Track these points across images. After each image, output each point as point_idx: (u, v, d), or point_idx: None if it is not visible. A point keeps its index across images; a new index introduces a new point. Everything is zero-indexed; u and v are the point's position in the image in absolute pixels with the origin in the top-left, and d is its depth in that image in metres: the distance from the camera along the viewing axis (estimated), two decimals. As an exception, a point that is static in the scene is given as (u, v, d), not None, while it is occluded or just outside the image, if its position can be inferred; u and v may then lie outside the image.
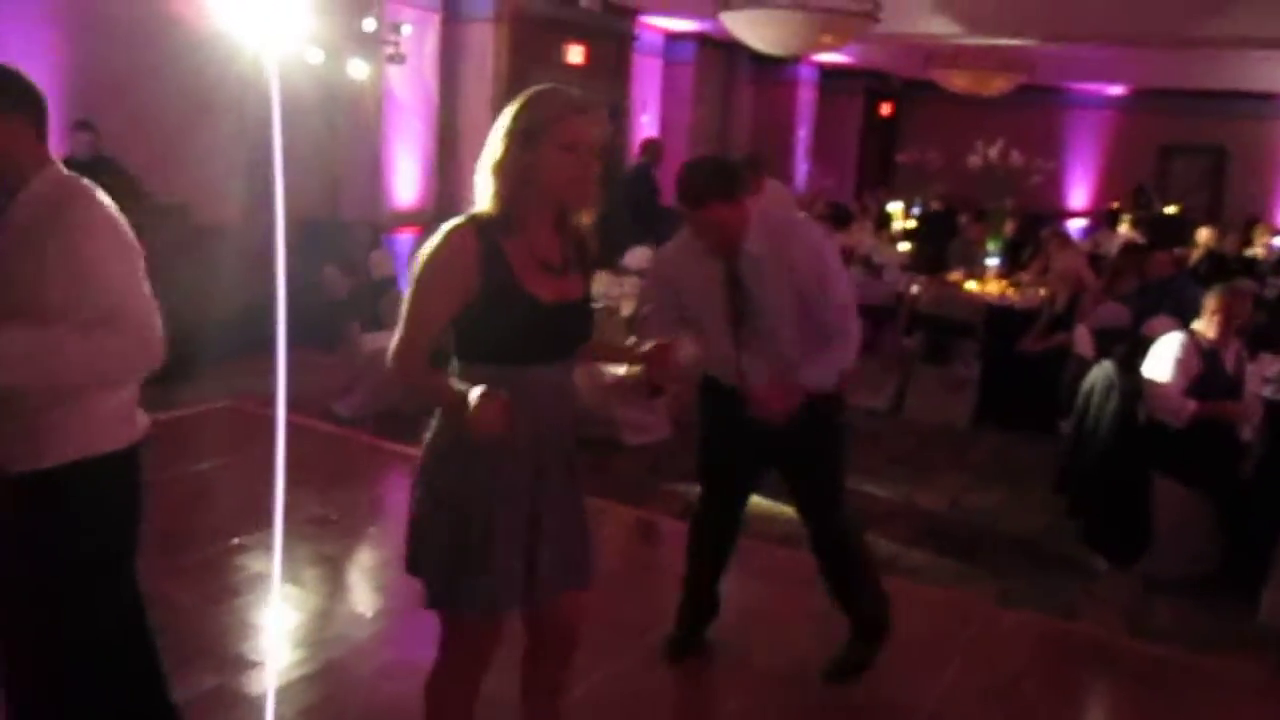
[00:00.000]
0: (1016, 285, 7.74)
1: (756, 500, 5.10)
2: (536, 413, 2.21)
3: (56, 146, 6.67)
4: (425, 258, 2.17)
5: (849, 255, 9.93)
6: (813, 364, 3.15)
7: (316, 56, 7.76)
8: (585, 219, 2.29)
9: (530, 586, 2.27)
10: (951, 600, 4.22)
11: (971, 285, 7.78)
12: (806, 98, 15.91)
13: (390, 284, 7.56)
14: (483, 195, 2.18)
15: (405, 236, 9.23)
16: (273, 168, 2.17)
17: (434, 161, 9.74)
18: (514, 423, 2.06)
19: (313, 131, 7.92)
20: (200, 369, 6.28)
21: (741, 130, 14.71)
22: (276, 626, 3.58)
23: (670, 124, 12.76)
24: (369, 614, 3.91)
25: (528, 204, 2.16)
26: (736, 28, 8.76)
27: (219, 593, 3.86)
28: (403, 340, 2.19)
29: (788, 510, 5.02)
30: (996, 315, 7.07)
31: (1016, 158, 8.18)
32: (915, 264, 8.60)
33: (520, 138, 2.13)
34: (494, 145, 2.17)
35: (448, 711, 2.40)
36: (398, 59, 8.61)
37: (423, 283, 2.16)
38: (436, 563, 2.23)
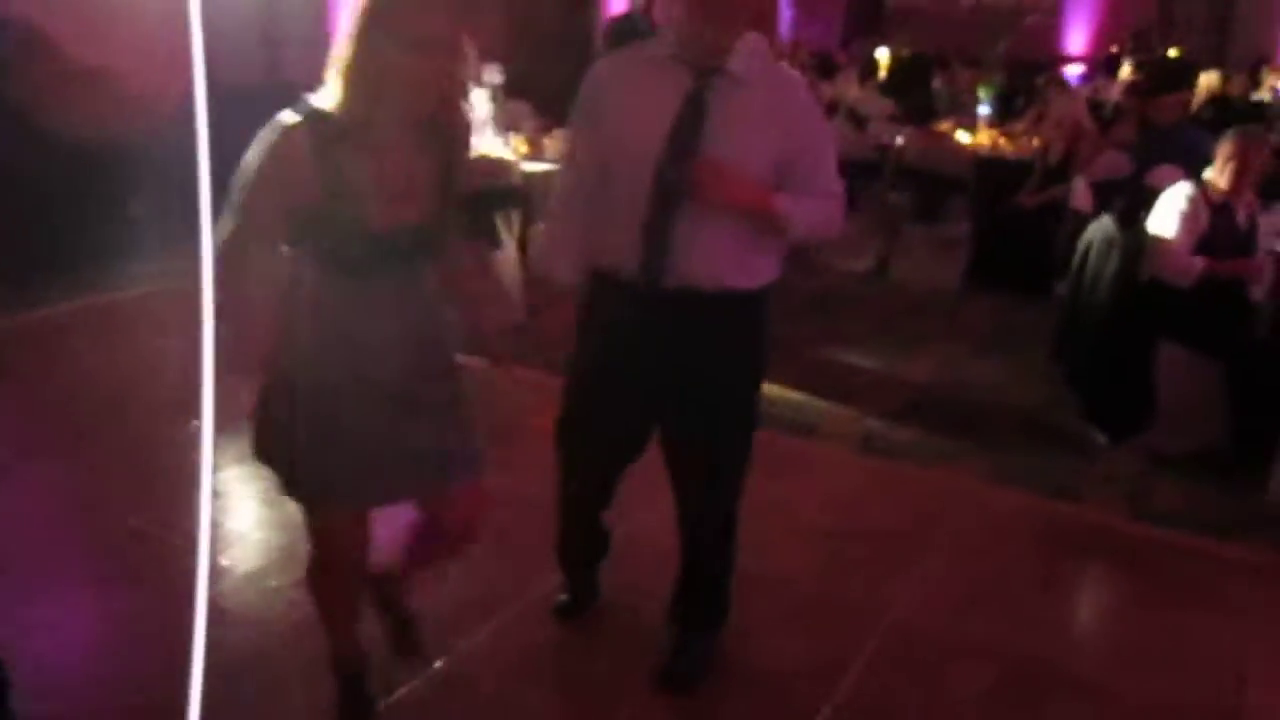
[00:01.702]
0: (1009, 135, 7.23)
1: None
2: (375, 318, 2.03)
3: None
4: (255, 154, 1.94)
5: (833, 107, 9.40)
6: (796, 201, 2.24)
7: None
8: (458, 124, 2.04)
9: (388, 481, 2.13)
10: (936, 482, 3.89)
11: (962, 136, 7.27)
12: (789, -60, 14.98)
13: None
14: (328, 92, 1.93)
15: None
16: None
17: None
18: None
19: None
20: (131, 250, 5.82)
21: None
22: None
23: (644, -29, 11.93)
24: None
25: (374, 109, 1.90)
26: None
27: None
28: (231, 230, 1.96)
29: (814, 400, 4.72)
30: (988, 168, 6.60)
31: (1012, -4, 7.56)
32: (902, 115, 8.04)
33: (365, 31, 1.86)
34: (343, 39, 1.89)
35: (328, 603, 2.35)
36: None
37: (252, 178, 1.94)
38: (278, 446, 2.10)
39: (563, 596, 2.91)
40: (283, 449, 2.08)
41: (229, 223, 1.96)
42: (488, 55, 8.35)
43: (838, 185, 2.34)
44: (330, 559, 2.26)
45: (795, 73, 2.56)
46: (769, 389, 4.60)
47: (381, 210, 1.95)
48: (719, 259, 2.26)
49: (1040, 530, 3.58)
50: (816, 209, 2.31)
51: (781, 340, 5.25)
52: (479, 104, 6.20)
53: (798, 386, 4.70)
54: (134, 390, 4.29)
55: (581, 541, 2.83)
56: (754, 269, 2.34)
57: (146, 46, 6.88)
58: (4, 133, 6.14)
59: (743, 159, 2.21)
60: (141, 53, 6.81)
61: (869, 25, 15.47)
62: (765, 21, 2.37)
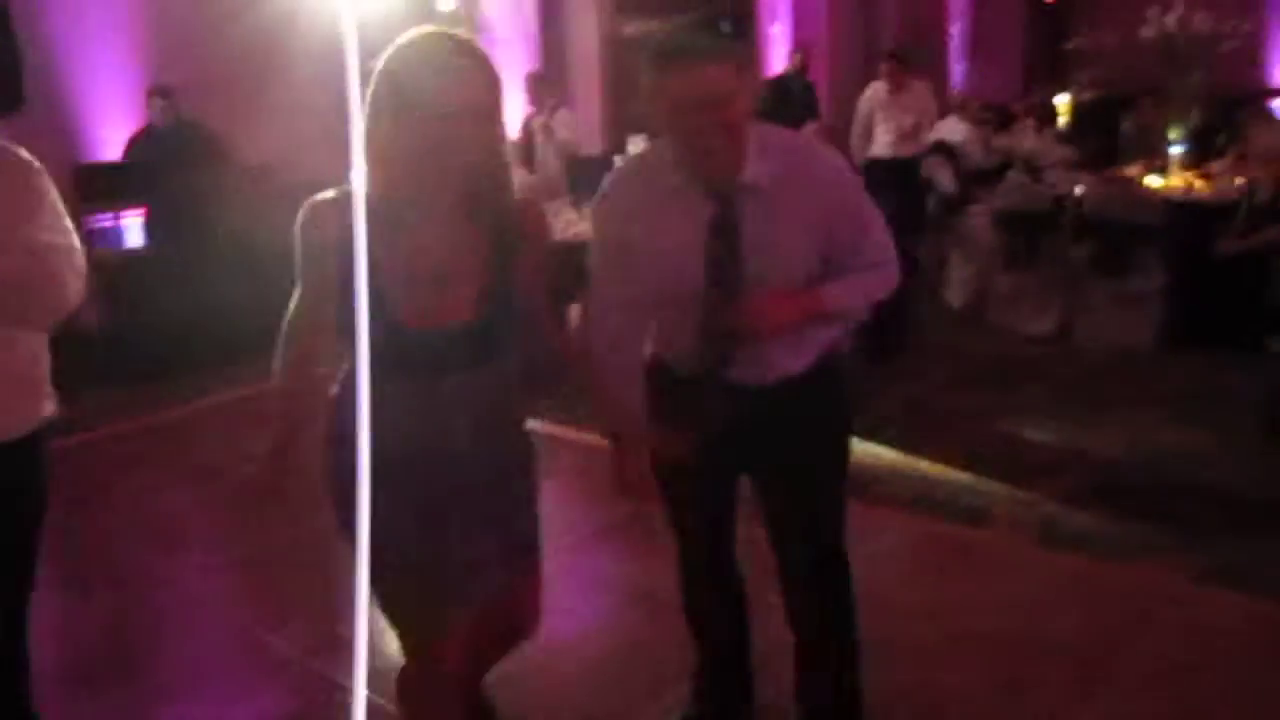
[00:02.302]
0: (1207, 176, 6.52)
1: (870, 451, 4.38)
2: (424, 428, 1.86)
3: (136, 114, 6.45)
4: (293, 236, 1.85)
5: (1008, 158, 8.84)
6: (839, 279, 2.12)
7: (399, -6, 7.24)
8: (506, 202, 1.86)
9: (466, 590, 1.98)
10: (1132, 581, 3.33)
11: (1152, 180, 6.61)
12: (958, -10, 14.48)
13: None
14: (364, 170, 1.76)
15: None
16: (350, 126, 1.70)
17: (538, 97, 9.11)
18: None
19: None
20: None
21: (887, 33, 13.45)
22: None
23: (805, 34, 11.71)
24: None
25: (408, 189, 1.77)
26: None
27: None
28: (292, 318, 1.93)
29: (915, 463, 4.29)
30: (1182, 213, 5.92)
31: (1201, 23, 6.86)
32: (1081, 161, 7.44)
33: (382, 107, 1.72)
34: (368, 111, 1.75)
35: (420, 710, 2.16)
36: (488, -13, 8.00)
37: (298, 257, 1.86)
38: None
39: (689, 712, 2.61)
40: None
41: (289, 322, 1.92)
42: (636, 126, 8.28)
43: (887, 251, 2.20)
44: (423, 674, 2.09)
45: (815, 147, 2.29)
46: (933, 469, 4.22)
47: (419, 303, 1.79)
48: (782, 359, 2.19)
49: (1265, 643, 2.98)
50: (867, 283, 2.19)
51: (948, 413, 4.87)
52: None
53: (966, 466, 4.22)
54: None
55: (717, 673, 2.58)
56: (819, 347, 2.25)
57: (309, 143, 7.14)
58: (178, 229, 6.45)
59: (786, 268, 2.09)
60: (304, 148, 7.06)
61: (1049, 71, 14.70)
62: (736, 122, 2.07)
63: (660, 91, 1.94)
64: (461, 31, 1.82)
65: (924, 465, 4.27)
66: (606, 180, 2.21)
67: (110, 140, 6.73)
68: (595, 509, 4.03)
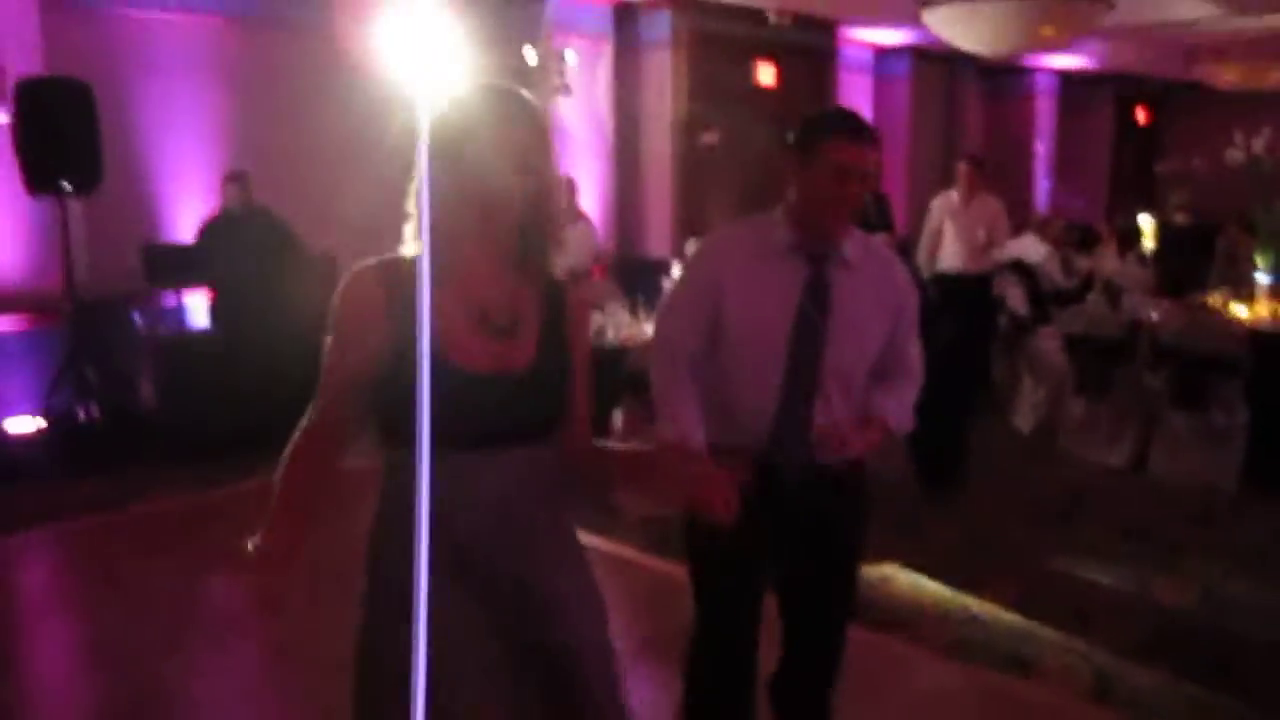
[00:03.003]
0: (1297, 308, 6.20)
1: (917, 584, 4.12)
2: (469, 516, 1.68)
3: (210, 198, 6.61)
4: (331, 308, 1.73)
5: (1089, 281, 8.58)
6: (888, 395, 2.43)
7: (476, 94, 7.36)
8: (552, 250, 1.79)
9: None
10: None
11: (1237, 309, 6.31)
12: (1045, 108, 14.39)
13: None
14: (408, 231, 1.76)
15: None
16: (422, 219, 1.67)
17: (613, 198, 9.18)
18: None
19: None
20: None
21: (971, 147, 13.36)
22: None
23: (885, 147, 11.68)
24: None
25: (458, 236, 1.69)
26: (940, 27, 7.78)
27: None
28: (314, 405, 1.76)
29: (963, 600, 4.01)
30: (1267, 345, 5.61)
31: (1291, 148, 6.62)
32: (1160, 286, 7.16)
33: (440, 156, 1.61)
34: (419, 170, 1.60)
35: None
36: (565, 90, 8.11)
37: (330, 338, 1.74)
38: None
39: None
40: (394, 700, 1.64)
41: (311, 409, 1.75)
42: (699, 230, 8.25)
43: (918, 358, 2.50)
44: None
45: (886, 246, 2.71)
46: (983, 609, 3.94)
47: (479, 348, 1.69)
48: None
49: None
50: (908, 397, 2.47)
51: (1006, 548, 4.58)
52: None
53: (1019, 608, 3.93)
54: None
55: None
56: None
57: (376, 233, 7.25)
58: (242, 312, 6.54)
59: (863, 340, 2.36)
60: (372, 239, 7.17)
61: (1136, 194, 14.42)
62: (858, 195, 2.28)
63: (826, 154, 2.24)
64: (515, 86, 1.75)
65: (973, 604, 3.98)
66: (709, 235, 2.60)
67: (183, 222, 6.90)
68: (635, 625, 3.87)
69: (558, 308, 1.81)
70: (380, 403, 1.69)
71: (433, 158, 1.58)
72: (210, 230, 6.65)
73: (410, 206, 1.73)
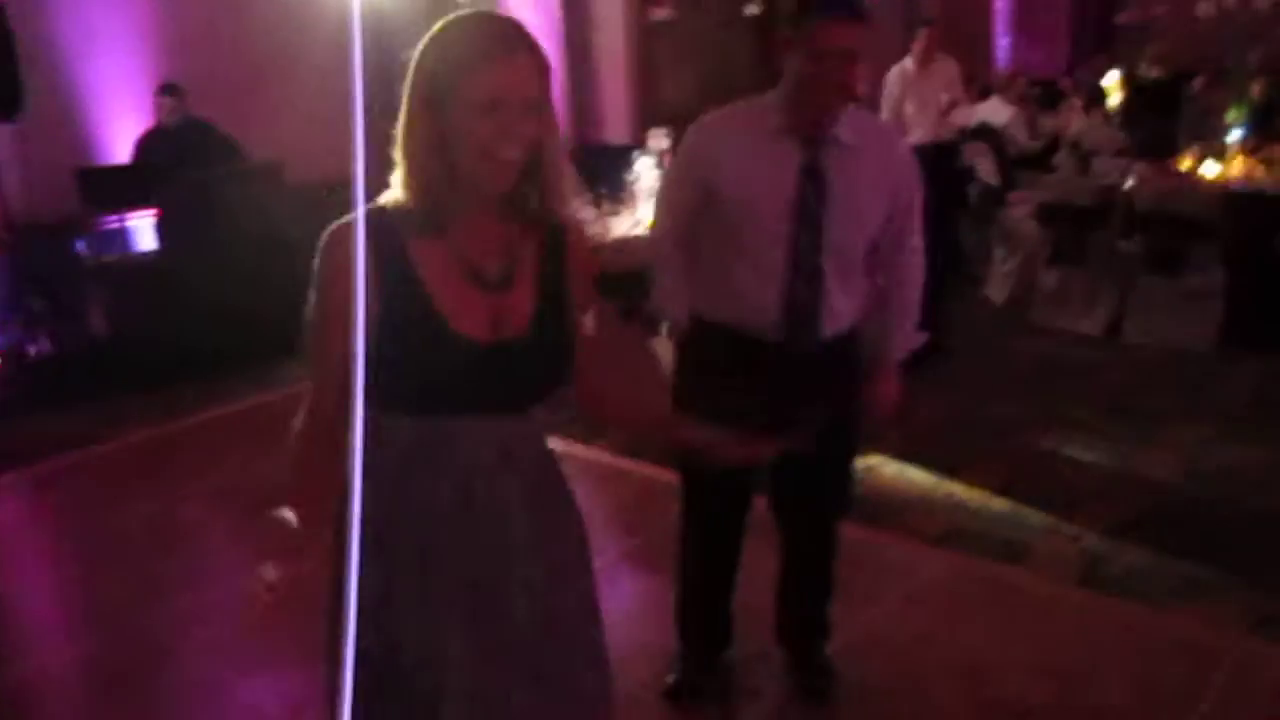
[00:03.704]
0: (1268, 162, 6.11)
1: (904, 474, 4.11)
2: (468, 481, 1.57)
3: (145, 114, 6.27)
4: (316, 272, 1.54)
5: (1054, 143, 8.43)
6: (890, 330, 2.51)
7: (416, -17, 7.00)
8: (549, 201, 1.57)
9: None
10: (1184, 630, 3.03)
11: (1209, 167, 6.21)
12: (1003, -40, 13.96)
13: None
14: (395, 178, 1.55)
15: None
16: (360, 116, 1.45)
17: (566, 85, 8.84)
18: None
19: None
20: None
21: (930, 8, 12.98)
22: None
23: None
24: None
25: (446, 188, 1.50)
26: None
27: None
28: (307, 402, 1.61)
29: (950, 487, 3.99)
30: (1242, 205, 5.53)
31: (1261, 1, 6.43)
32: (1133, 148, 7.03)
33: (424, 96, 1.49)
34: (403, 106, 1.53)
35: None
36: (508, -27, 7.72)
37: (318, 292, 1.54)
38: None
39: (670, 677, 2.78)
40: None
41: (304, 409, 1.60)
42: (660, 117, 7.98)
43: (921, 238, 2.46)
44: None
45: (891, 126, 2.75)
46: (970, 496, 3.92)
47: (470, 305, 1.53)
48: (848, 317, 2.41)
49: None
50: (909, 315, 2.51)
51: (988, 429, 4.55)
52: (644, 172, 5.77)
53: (1005, 493, 3.92)
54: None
55: (704, 623, 2.77)
56: (862, 313, 2.48)
57: (321, 139, 6.94)
58: (190, 230, 6.28)
59: (861, 223, 2.34)
60: (316, 145, 6.87)
61: (1098, 45, 14.15)
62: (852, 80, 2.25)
63: (806, 36, 2.17)
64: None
65: (960, 491, 3.97)
66: (701, 119, 2.42)
67: (118, 142, 6.56)
68: (618, 534, 3.84)
69: (558, 258, 1.63)
70: (372, 365, 1.43)
71: (421, 97, 1.49)
72: (147, 147, 6.34)
73: (398, 154, 1.53)
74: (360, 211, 1.25)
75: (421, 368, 1.53)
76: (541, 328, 1.59)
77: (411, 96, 1.50)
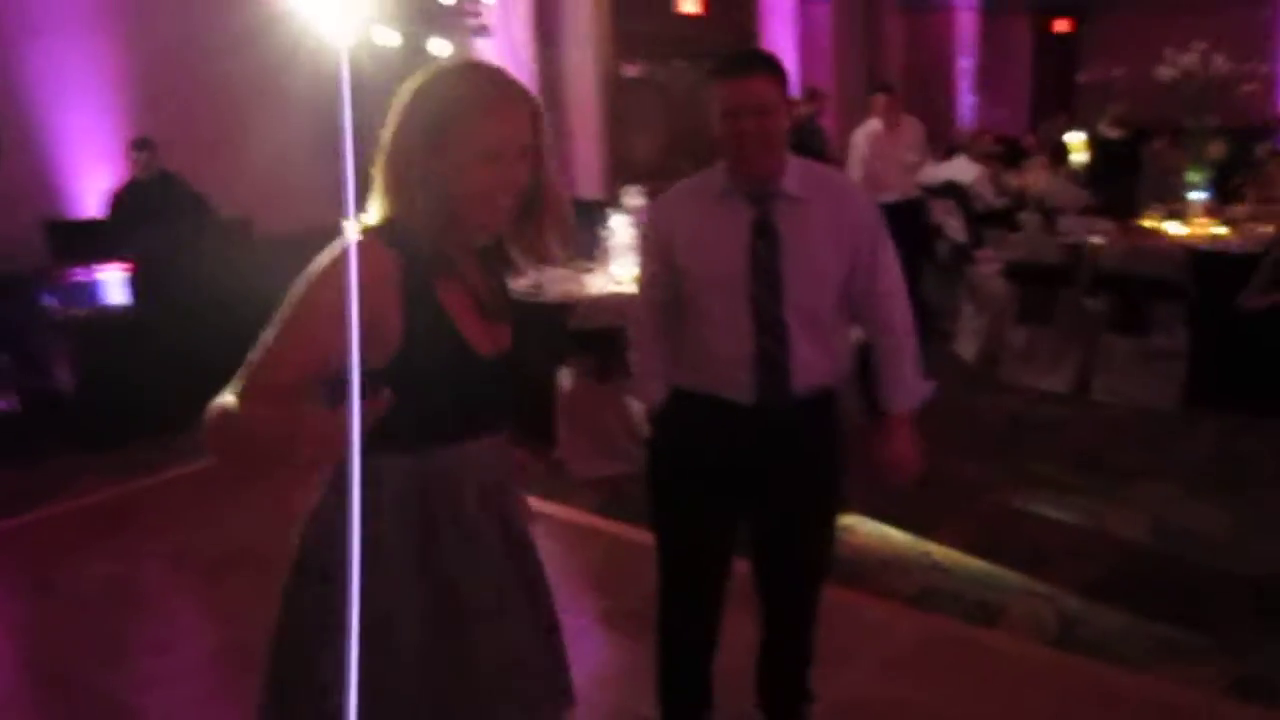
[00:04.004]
0: (1230, 224, 6.25)
1: (877, 532, 4.12)
2: (459, 506, 1.64)
3: (115, 168, 6.24)
4: (318, 278, 1.51)
5: (1021, 199, 8.57)
6: (893, 382, 2.48)
7: (391, 38, 7.05)
8: (547, 239, 1.70)
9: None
10: (1157, 693, 3.04)
11: (1172, 227, 6.34)
12: (967, 23, 14.32)
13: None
14: (390, 207, 1.59)
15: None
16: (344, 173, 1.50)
17: (539, 140, 8.93)
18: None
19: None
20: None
21: (893, 69, 13.25)
22: None
23: (810, 72, 11.50)
24: None
25: (452, 230, 1.59)
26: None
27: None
28: (240, 387, 1.52)
29: (925, 546, 3.99)
30: (1206, 265, 5.64)
31: (1221, 64, 6.60)
32: (1097, 206, 7.16)
33: (425, 141, 1.54)
34: (394, 143, 1.57)
35: None
36: (483, 32, 7.80)
37: (303, 312, 1.50)
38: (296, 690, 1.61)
39: None
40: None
41: (240, 376, 1.52)
42: (631, 174, 8.05)
43: (900, 281, 2.44)
44: None
45: (844, 176, 2.72)
46: (944, 555, 3.92)
47: (480, 332, 1.64)
48: (825, 372, 2.39)
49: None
50: (908, 365, 2.47)
51: (960, 486, 4.57)
52: (618, 229, 5.79)
53: (980, 551, 3.93)
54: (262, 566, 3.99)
55: (684, 687, 2.71)
56: (843, 368, 2.47)
57: (290, 194, 6.94)
58: (162, 284, 6.23)
59: (821, 273, 2.33)
60: (286, 200, 6.85)
61: (1059, 104, 14.47)
62: (777, 132, 2.31)
63: (715, 97, 2.24)
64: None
65: (934, 551, 3.97)
66: (660, 196, 2.53)
67: (87, 194, 6.53)
68: (594, 594, 3.82)
69: (505, 291, 1.75)
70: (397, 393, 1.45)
71: (423, 141, 1.54)
72: (120, 202, 6.30)
73: (378, 174, 1.59)
74: (352, 255, 1.34)
75: (447, 391, 1.60)
76: (516, 343, 1.72)
77: (407, 140, 1.55)
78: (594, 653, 3.47)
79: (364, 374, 1.24)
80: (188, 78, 6.58)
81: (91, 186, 6.50)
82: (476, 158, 1.53)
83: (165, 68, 6.63)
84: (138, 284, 6.38)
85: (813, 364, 2.35)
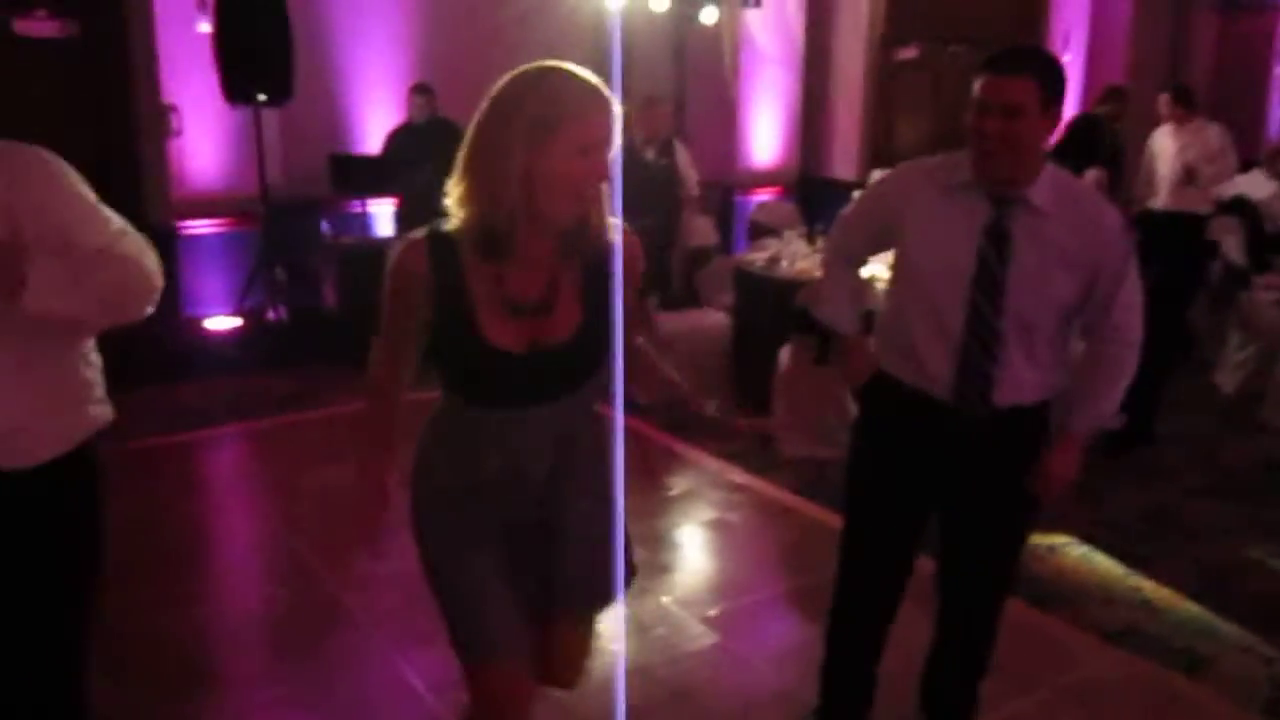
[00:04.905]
0: None
1: (1088, 560, 3.89)
2: (512, 454, 1.90)
3: (396, 110, 6.74)
4: (386, 273, 1.86)
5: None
6: (1084, 400, 2.37)
7: (662, 3, 7.20)
8: (595, 224, 1.83)
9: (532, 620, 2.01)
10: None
11: None
12: (1290, 24, 12.95)
13: (713, 253, 6.83)
14: (456, 200, 1.78)
15: (762, 197, 8.48)
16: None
17: (798, 116, 8.86)
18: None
19: (659, 86, 7.38)
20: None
21: (1199, 71, 12.19)
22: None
23: (1101, 65, 10.80)
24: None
25: (523, 216, 1.75)
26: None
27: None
28: (376, 348, 1.96)
29: (1137, 581, 3.74)
30: None
31: None
32: None
33: (524, 132, 1.71)
34: (482, 137, 1.75)
35: None
36: (754, 3, 7.81)
37: (386, 295, 1.88)
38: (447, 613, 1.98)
39: None
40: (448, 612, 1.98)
41: (373, 352, 1.96)
42: (889, 158, 7.84)
43: (1136, 330, 2.31)
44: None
45: (1102, 199, 2.45)
46: (1157, 595, 3.68)
47: (503, 328, 1.81)
48: (1035, 387, 2.32)
49: None
50: (1115, 389, 2.34)
51: (1190, 526, 4.25)
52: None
53: (1197, 596, 3.65)
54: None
55: (848, 680, 2.70)
56: (1057, 384, 2.37)
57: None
58: (427, 221, 6.68)
59: (1048, 292, 2.23)
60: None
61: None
62: (1029, 145, 2.24)
63: (974, 88, 2.17)
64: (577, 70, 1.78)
65: (1147, 588, 3.73)
66: (901, 164, 2.50)
67: (370, 132, 7.06)
68: (782, 572, 3.86)
69: (602, 271, 1.84)
70: (440, 357, 1.86)
71: (521, 133, 1.70)
72: (396, 141, 6.79)
73: (463, 161, 1.77)
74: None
75: (467, 370, 1.86)
76: (584, 335, 1.84)
77: (502, 132, 1.71)
78: (773, 629, 3.51)
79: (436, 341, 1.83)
80: (469, 29, 6.97)
81: (374, 126, 7.02)
82: (576, 153, 1.71)
83: (450, 18, 7.06)
84: (402, 219, 6.88)
85: (1022, 378, 2.28)
